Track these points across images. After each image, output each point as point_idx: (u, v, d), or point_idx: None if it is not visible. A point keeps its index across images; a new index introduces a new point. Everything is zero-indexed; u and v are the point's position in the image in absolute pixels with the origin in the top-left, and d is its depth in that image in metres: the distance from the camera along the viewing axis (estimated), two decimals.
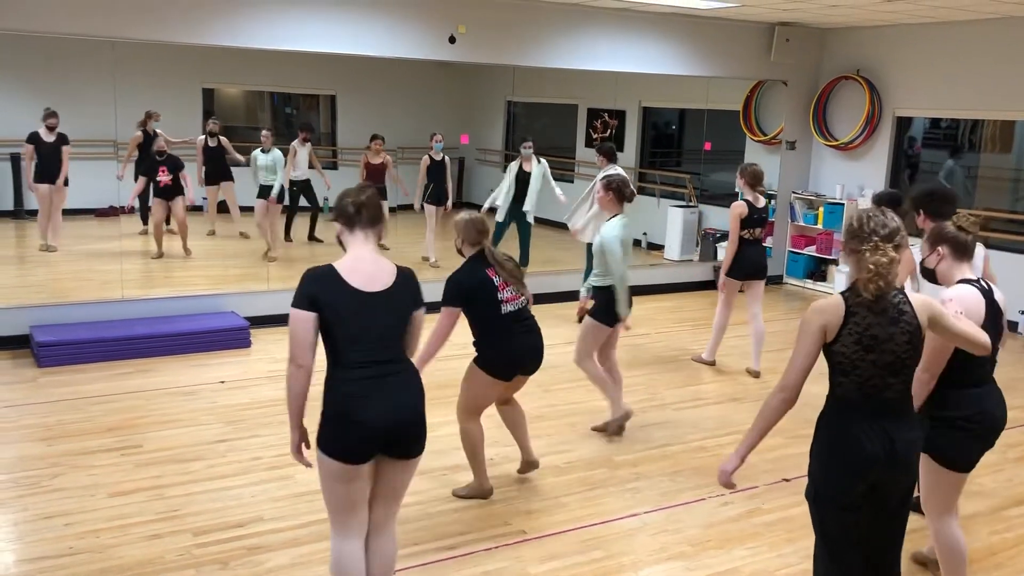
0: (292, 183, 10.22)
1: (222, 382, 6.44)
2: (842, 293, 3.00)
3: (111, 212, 9.59)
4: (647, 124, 12.42)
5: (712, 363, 7.40)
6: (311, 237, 10.71)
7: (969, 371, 3.51)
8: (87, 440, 5.29)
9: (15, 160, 9.84)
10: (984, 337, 3.19)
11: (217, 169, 10.11)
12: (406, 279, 3.27)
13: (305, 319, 3.07)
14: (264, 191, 9.91)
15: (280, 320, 7.88)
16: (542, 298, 9.13)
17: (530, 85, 11.55)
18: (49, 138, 8.87)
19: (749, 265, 7.03)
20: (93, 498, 4.54)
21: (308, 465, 3.24)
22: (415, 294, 3.30)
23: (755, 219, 6.95)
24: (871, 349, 2.91)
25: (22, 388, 6.20)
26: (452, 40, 8.24)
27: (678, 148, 13.10)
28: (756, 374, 7.15)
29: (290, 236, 10.51)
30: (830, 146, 10.57)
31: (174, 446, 5.24)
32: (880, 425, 2.95)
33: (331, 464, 3.12)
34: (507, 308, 4.46)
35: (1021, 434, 5.90)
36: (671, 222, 11.39)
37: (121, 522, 4.29)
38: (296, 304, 3.09)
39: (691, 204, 11.60)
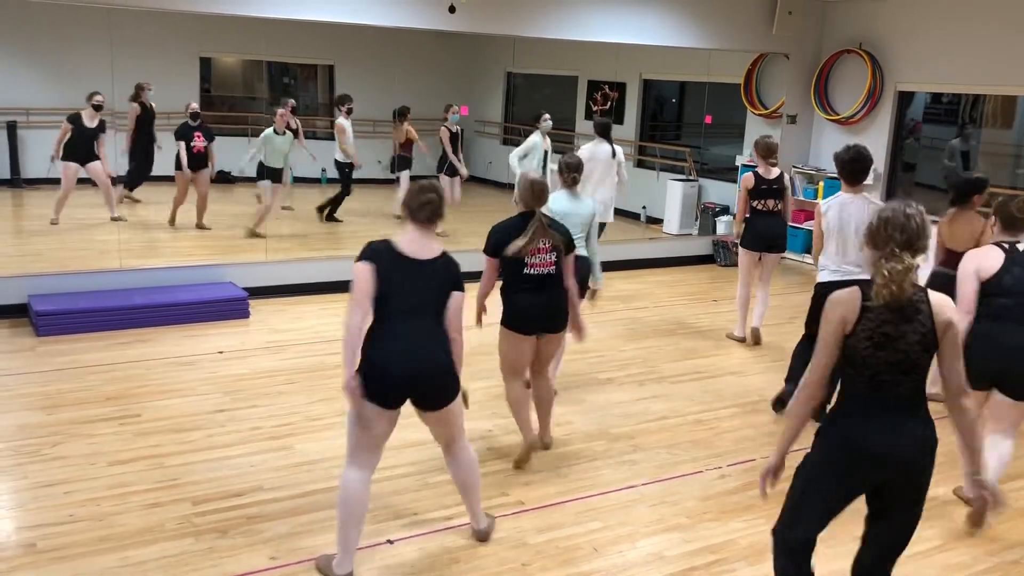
0: (340, 162, 10.14)
1: (221, 352, 6.44)
2: (860, 284, 2.93)
3: (113, 181, 9.55)
4: (648, 97, 12.35)
5: (742, 339, 7.33)
6: (331, 217, 10.46)
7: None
8: (86, 409, 5.30)
9: (11, 129, 9.80)
10: (965, 391, 3.02)
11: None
12: (449, 261, 3.67)
13: (364, 270, 3.51)
14: (275, 174, 9.60)
15: (278, 291, 7.94)
16: None
17: (530, 56, 11.49)
18: (91, 123, 8.79)
19: (762, 236, 7.12)
20: (93, 467, 4.56)
21: (363, 396, 3.51)
22: (456, 277, 3.67)
23: (763, 190, 7.03)
24: (882, 347, 2.86)
25: (21, 357, 6.20)
26: (452, 10, 8.15)
27: (678, 121, 13.04)
28: (740, 339, 7.31)
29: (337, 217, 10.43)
30: (831, 120, 10.52)
31: (173, 415, 5.26)
32: (889, 421, 2.91)
33: (363, 405, 3.50)
34: (531, 271, 4.54)
35: None
36: (670, 196, 11.37)
37: (121, 490, 4.31)
38: (359, 259, 3.54)
39: (691, 178, 11.57)
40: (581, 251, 5.27)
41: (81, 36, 9.06)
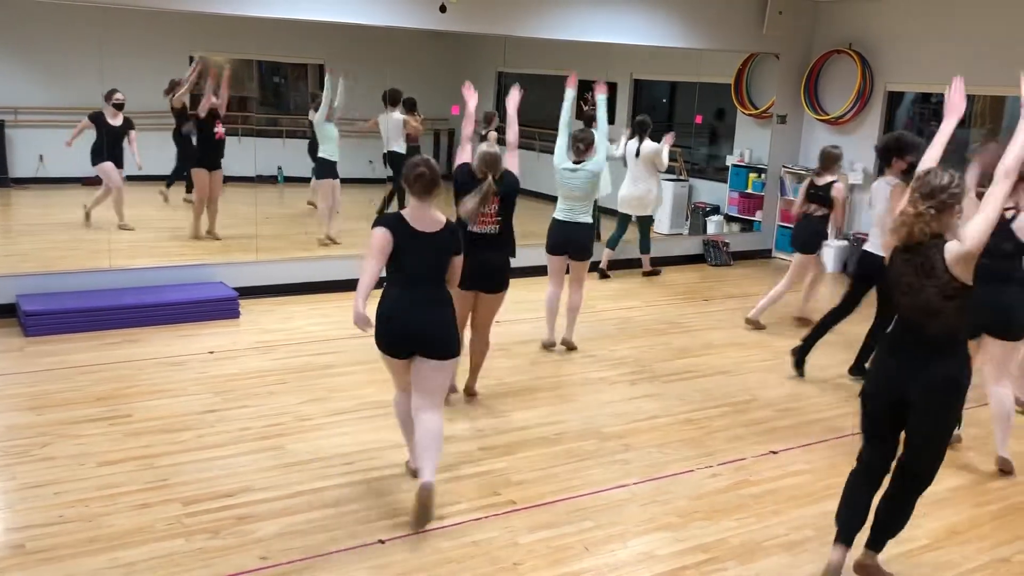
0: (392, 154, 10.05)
1: (211, 352, 6.42)
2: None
3: (97, 181, 9.49)
4: (639, 97, 12.35)
5: (759, 326, 7.66)
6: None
7: None
8: (75, 409, 5.28)
9: None
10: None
11: None
12: (452, 232, 4.20)
13: (383, 233, 4.04)
14: (332, 169, 9.49)
15: (269, 291, 7.92)
16: (542, 270, 9.15)
17: (522, 56, 11.46)
18: (115, 121, 8.62)
19: (797, 237, 7.72)
20: (82, 467, 4.54)
21: (369, 326, 4.00)
22: (456, 244, 4.23)
23: (810, 194, 7.44)
24: (906, 293, 3.40)
25: (9, 357, 6.17)
26: (443, 9, 8.15)
27: (669, 121, 13.05)
28: (754, 324, 7.69)
29: None
30: (821, 120, 10.55)
31: (163, 416, 5.23)
32: (915, 358, 3.41)
33: (381, 353, 4.20)
34: (475, 228, 5.23)
35: None
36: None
37: (110, 491, 4.29)
38: (376, 225, 4.09)
39: (681, 178, 11.58)
40: (585, 218, 6.63)
41: (70, 35, 8.99)
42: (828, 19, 10.45)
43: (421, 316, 4.09)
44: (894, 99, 10.17)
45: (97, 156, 8.63)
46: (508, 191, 5.30)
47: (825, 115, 10.44)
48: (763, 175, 10.96)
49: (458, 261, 4.24)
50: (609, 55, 10.74)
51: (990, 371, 5.05)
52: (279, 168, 11.24)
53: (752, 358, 6.95)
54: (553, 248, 6.71)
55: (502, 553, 3.91)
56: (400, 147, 10.16)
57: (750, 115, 11.13)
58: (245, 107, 10.40)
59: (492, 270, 5.33)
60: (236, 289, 7.52)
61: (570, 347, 6.85)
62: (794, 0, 10.07)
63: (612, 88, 11.96)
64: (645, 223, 9.64)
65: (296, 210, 10.79)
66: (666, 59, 11.01)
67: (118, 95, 8.59)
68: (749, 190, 11.07)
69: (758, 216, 11.11)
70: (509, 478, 4.65)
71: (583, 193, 6.56)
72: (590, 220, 6.69)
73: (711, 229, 11.11)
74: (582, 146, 6.59)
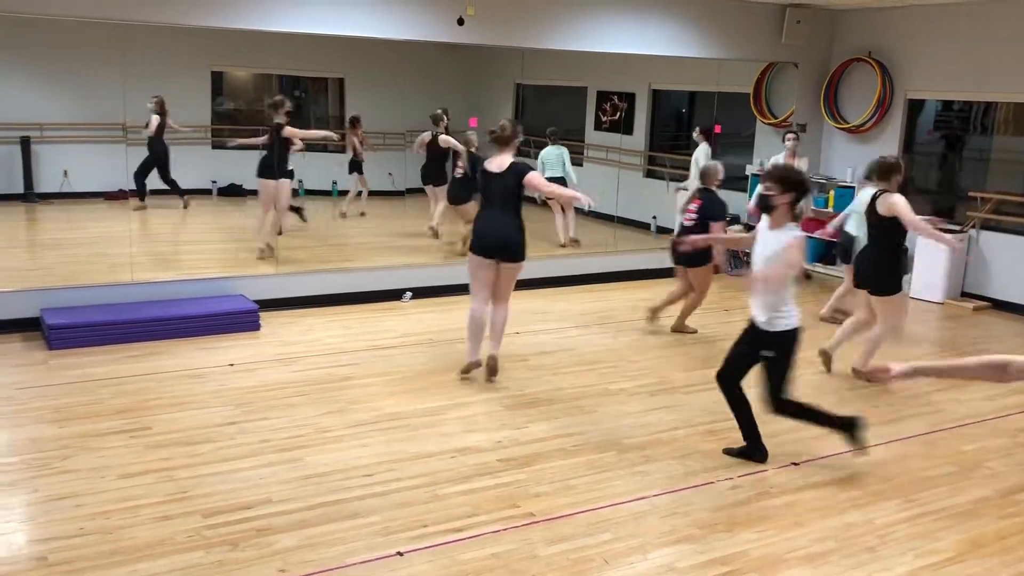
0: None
1: (231, 365, 6.45)
2: None
3: (120, 195, 9.61)
4: (657, 107, 12.34)
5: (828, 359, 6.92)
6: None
7: None
8: (97, 422, 5.32)
9: (25, 144, 9.87)
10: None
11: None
12: (512, 169, 5.92)
13: (479, 176, 6.16)
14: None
15: (288, 303, 7.96)
16: (562, 280, 9.15)
17: (539, 68, 11.50)
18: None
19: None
20: (103, 480, 4.57)
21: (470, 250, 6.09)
22: (519, 174, 5.91)
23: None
24: None
25: (33, 370, 6.23)
26: (461, 22, 8.19)
27: (688, 131, 13.03)
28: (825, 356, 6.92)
29: None
30: (841, 129, 10.50)
31: (183, 428, 5.26)
32: None
33: (471, 256, 6.07)
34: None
35: None
36: (681, 206, 11.32)
37: (131, 503, 4.31)
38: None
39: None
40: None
41: (93, 51, 9.11)
42: (846, 28, 10.40)
43: (497, 232, 5.92)
44: (915, 107, 10.09)
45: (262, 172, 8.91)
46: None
47: (845, 124, 10.38)
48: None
49: (530, 177, 5.90)
50: (627, 65, 10.76)
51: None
52: (334, 182, 11.41)
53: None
54: None
55: (521, 565, 3.90)
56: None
57: (770, 124, 11.09)
58: (263, 121, 10.46)
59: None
60: (256, 302, 7.56)
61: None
62: (812, 9, 10.03)
63: (630, 98, 11.99)
64: None
65: (316, 222, 10.84)
66: (685, 69, 11.00)
67: (288, 103, 8.90)
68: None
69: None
70: (528, 490, 4.64)
71: None
72: None
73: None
74: None
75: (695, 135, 10.66)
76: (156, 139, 9.71)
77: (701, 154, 10.21)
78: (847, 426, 5.06)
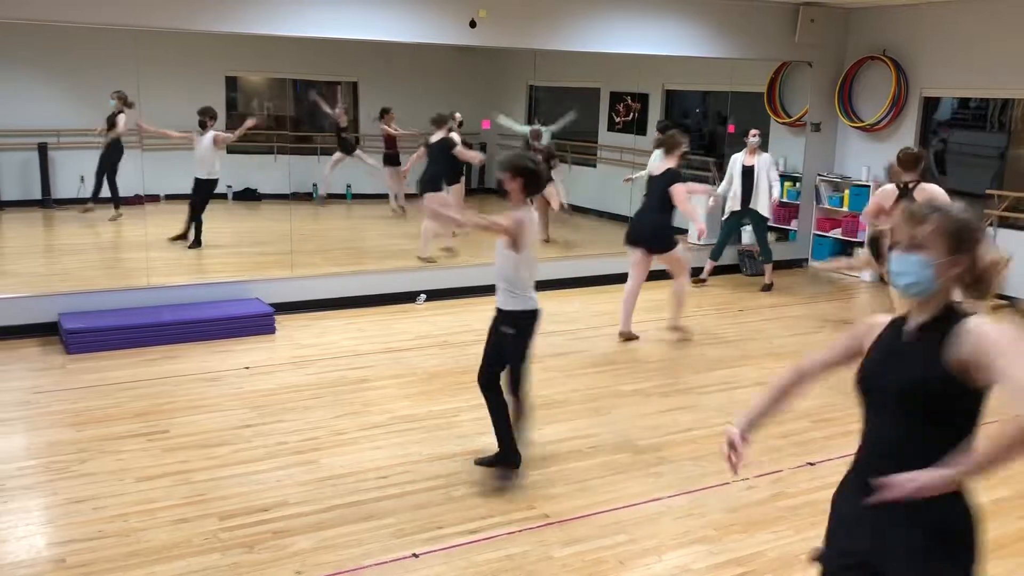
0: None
1: (247, 368, 6.49)
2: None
3: (136, 200, 9.67)
4: (671, 107, 12.32)
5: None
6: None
7: None
8: (115, 425, 5.36)
9: (42, 150, 9.95)
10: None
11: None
12: (664, 175, 7.16)
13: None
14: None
15: (303, 306, 7.99)
16: (574, 282, 9.14)
17: (552, 69, 11.50)
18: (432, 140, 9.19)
19: None
20: (121, 482, 4.60)
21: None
22: (669, 181, 7.11)
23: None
24: None
25: (51, 374, 6.28)
26: (473, 24, 8.20)
27: (701, 131, 13.01)
28: None
29: None
30: (855, 127, 10.45)
31: (200, 431, 5.29)
32: None
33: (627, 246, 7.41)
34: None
35: None
36: (695, 206, 11.29)
37: (148, 506, 4.34)
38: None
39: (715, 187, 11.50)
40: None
41: (108, 57, 9.17)
42: (860, 26, 10.35)
43: (643, 226, 7.36)
44: (930, 104, 10.03)
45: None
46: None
47: (860, 122, 10.33)
48: (798, 184, 10.87)
49: (674, 189, 7.04)
50: (640, 66, 10.74)
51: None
52: (348, 186, 11.46)
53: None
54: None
55: (536, 567, 3.90)
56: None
57: (784, 123, 11.05)
58: (280, 125, 10.52)
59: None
60: (272, 305, 7.60)
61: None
62: (826, 8, 9.99)
63: (644, 99, 11.98)
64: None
65: (330, 225, 10.89)
66: (698, 69, 10.98)
67: (457, 115, 9.47)
68: (784, 199, 10.97)
69: (794, 225, 11.01)
70: (543, 491, 4.64)
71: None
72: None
73: (745, 239, 11.02)
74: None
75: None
76: (117, 140, 9.43)
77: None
78: (509, 458, 4.78)
